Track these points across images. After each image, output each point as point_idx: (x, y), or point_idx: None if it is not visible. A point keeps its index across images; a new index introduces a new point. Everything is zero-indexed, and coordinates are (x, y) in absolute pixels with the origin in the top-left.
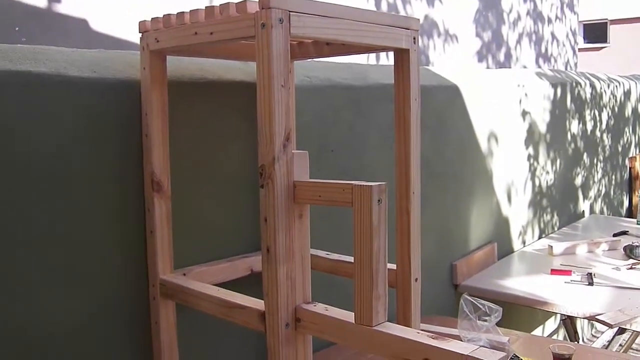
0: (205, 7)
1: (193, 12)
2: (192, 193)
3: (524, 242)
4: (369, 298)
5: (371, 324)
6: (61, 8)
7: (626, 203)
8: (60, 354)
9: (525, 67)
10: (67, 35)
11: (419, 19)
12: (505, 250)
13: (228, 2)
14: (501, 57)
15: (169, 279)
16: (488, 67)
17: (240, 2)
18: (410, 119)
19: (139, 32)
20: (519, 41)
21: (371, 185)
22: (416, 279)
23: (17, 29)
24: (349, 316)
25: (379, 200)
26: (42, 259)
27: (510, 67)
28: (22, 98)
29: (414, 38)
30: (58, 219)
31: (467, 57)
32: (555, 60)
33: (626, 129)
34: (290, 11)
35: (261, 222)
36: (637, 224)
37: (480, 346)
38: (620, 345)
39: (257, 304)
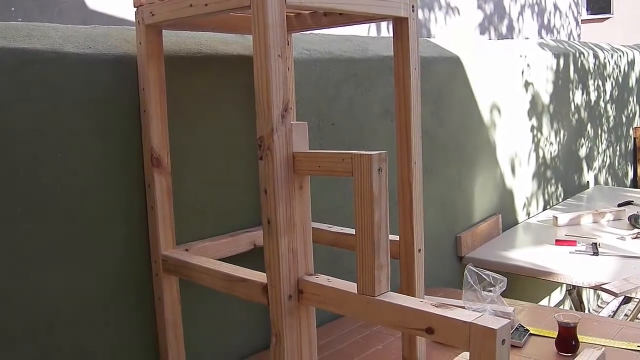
0: None
1: None
2: (192, 168)
3: (528, 214)
4: (371, 268)
5: (374, 293)
6: None
7: (631, 173)
8: (64, 330)
9: (527, 39)
10: (64, 14)
11: None
12: (510, 221)
13: None
14: (503, 29)
15: (171, 255)
16: (490, 40)
17: None
18: (410, 88)
19: (134, 7)
20: (521, 13)
21: (371, 154)
22: (419, 250)
23: (12, 9)
24: (351, 287)
25: (379, 169)
26: (43, 236)
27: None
28: (17, 75)
29: (413, 6)
30: (56, 196)
31: (469, 29)
32: (558, 32)
33: (630, 99)
34: None
35: (261, 194)
36: None
37: None
38: (625, 315)
39: (260, 276)
